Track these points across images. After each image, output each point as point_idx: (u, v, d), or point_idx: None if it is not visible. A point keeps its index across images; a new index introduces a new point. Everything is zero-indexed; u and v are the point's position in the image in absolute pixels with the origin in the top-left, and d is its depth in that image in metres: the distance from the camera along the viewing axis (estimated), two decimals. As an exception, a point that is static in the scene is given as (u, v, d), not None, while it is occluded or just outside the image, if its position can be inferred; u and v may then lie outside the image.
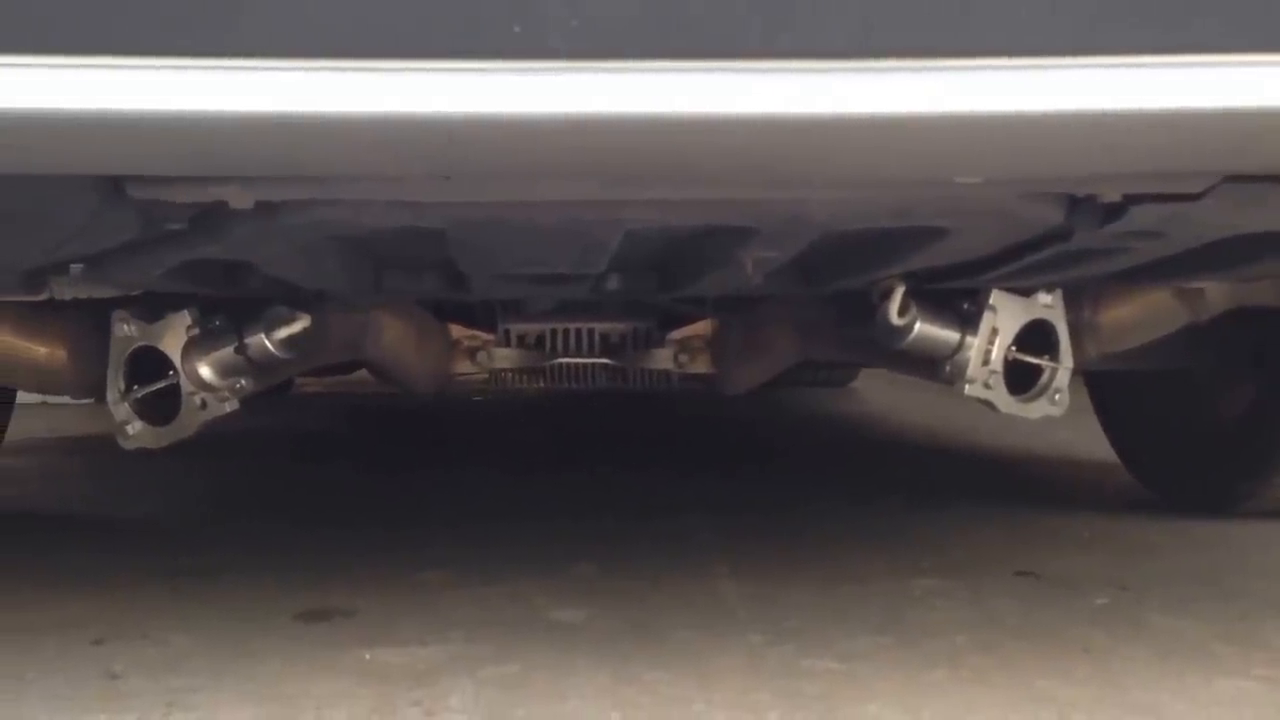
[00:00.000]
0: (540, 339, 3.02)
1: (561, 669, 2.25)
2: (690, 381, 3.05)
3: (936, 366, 2.45)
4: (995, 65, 1.46)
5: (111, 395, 2.48)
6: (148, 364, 2.52)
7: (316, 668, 2.27)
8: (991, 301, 2.39)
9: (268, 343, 2.44)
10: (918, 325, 2.38)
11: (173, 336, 2.45)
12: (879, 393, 6.57)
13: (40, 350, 2.63)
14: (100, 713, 2.08)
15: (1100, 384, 3.80)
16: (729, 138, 1.48)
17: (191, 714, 2.07)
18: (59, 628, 2.51)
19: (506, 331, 3.00)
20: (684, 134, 1.47)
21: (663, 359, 2.99)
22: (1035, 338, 2.46)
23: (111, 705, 2.11)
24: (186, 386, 2.46)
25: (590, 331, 3.03)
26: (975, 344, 2.39)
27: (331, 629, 2.51)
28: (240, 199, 1.70)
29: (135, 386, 2.53)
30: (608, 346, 3.03)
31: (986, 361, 2.41)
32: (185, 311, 2.44)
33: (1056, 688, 2.14)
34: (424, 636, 2.43)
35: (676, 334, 2.98)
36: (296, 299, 2.42)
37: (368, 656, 2.32)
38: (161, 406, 2.52)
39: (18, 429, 3.87)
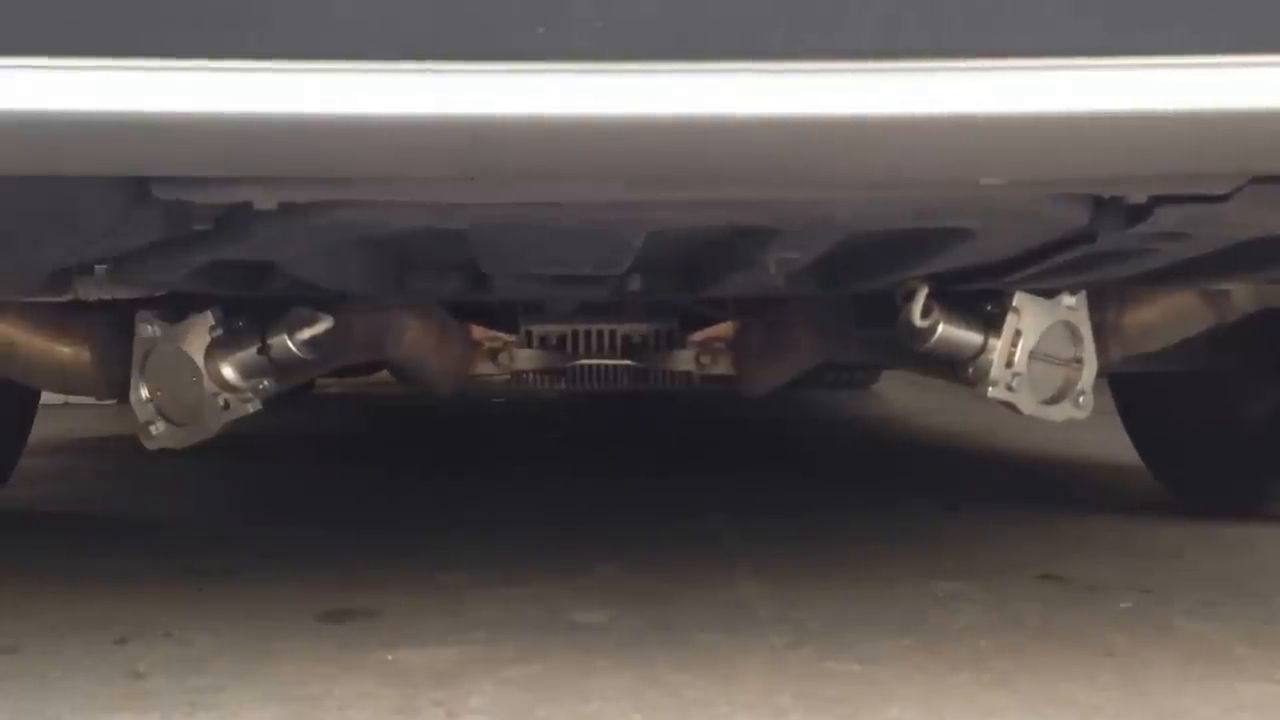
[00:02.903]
0: (562, 340, 3.02)
1: (583, 670, 2.26)
2: (712, 383, 3.05)
3: (959, 368, 2.44)
4: (1020, 66, 1.46)
5: (135, 396, 2.49)
6: (171, 364, 2.53)
7: (339, 668, 2.28)
8: (1015, 303, 2.38)
9: (290, 343, 2.44)
10: (941, 327, 2.37)
11: (196, 337, 2.45)
12: (901, 394, 6.57)
13: (64, 351, 2.63)
14: (124, 712, 2.09)
15: (1125, 386, 3.80)
16: (753, 139, 1.48)
17: (214, 713, 2.08)
18: (83, 627, 2.53)
19: (528, 332, 3.00)
20: (708, 135, 1.47)
21: (684, 360, 2.98)
22: (1059, 340, 2.46)
23: (135, 704, 2.12)
24: (209, 387, 2.46)
25: (612, 333, 3.03)
26: (998, 346, 2.38)
27: (354, 629, 2.52)
28: (264, 200, 1.70)
29: (159, 387, 2.54)
30: (629, 348, 3.03)
31: (1010, 364, 2.39)
32: (208, 312, 2.44)
33: (1080, 692, 2.14)
34: (446, 637, 2.44)
35: (698, 335, 2.97)
36: (319, 300, 2.43)
37: (390, 657, 2.34)
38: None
39: (41, 430, 3.90)
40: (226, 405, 2.48)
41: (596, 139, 1.47)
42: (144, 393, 2.48)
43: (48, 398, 3.55)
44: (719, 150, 1.51)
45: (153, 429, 2.49)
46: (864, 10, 1.44)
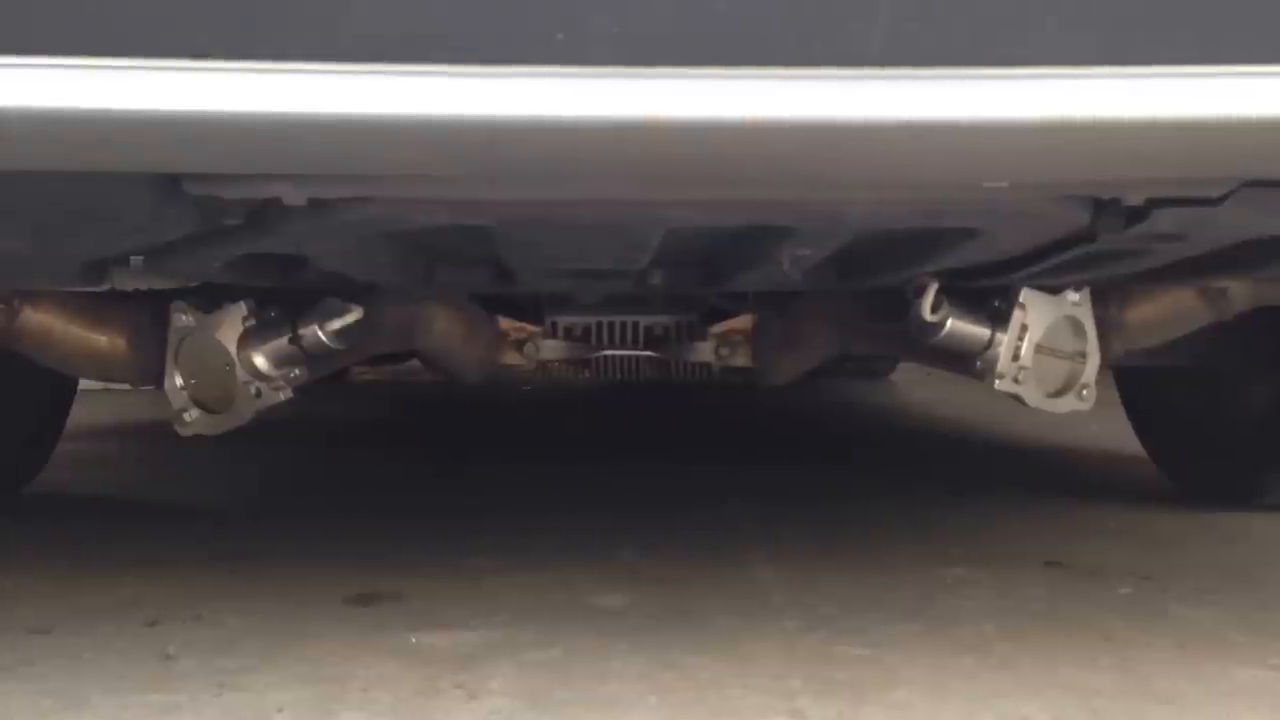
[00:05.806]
0: (586, 331, 3.04)
1: (602, 653, 2.29)
2: (730, 374, 3.08)
3: (968, 362, 2.48)
4: (1022, 75, 1.49)
5: (169, 384, 2.54)
6: (205, 353, 2.56)
7: (364, 650, 2.31)
8: (1021, 299, 2.42)
9: (321, 334, 2.47)
10: (950, 322, 2.41)
11: (229, 327, 2.48)
12: (916, 385, 6.58)
13: (101, 339, 2.66)
14: (154, 693, 2.11)
15: (1128, 380, 3.84)
16: (765, 142, 1.51)
17: (242, 695, 2.10)
18: (115, 609, 2.55)
19: (553, 324, 3.02)
20: (720, 138, 1.50)
21: (704, 352, 3.01)
22: (1064, 334, 2.50)
23: (165, 686, 2.15)
24: (242, 375, 2.50)
25: (634, 325, 3.05)
26: (1005, 340, 2.42)
27: (379, 612, 2.55)
28: (293, 196, 1.73)
29: (193, 375, 2.58)
30: (651, 339, 3.05)
31: (1016, 357, 2.42)
32: (242, 303, 2.47)
33: (1080, 676, 2.18)
34: (469, 621, 2.47)
35: (718, 328, 2.99)
36: (350, 291, 2.46)
37: (414, 639, 2.37)
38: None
39: (79, 414, 3.93)
40: (259, 393, 2.51)
41: (612, 141, 1.51)
42: (178, 380, 2.52)
43: (86, 383, 3.58)
44: (732, 153, 1.54)
45: (187, 416, 2.53)
46: (873, 19, 1.47)
